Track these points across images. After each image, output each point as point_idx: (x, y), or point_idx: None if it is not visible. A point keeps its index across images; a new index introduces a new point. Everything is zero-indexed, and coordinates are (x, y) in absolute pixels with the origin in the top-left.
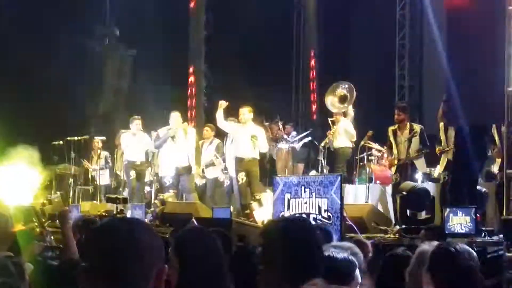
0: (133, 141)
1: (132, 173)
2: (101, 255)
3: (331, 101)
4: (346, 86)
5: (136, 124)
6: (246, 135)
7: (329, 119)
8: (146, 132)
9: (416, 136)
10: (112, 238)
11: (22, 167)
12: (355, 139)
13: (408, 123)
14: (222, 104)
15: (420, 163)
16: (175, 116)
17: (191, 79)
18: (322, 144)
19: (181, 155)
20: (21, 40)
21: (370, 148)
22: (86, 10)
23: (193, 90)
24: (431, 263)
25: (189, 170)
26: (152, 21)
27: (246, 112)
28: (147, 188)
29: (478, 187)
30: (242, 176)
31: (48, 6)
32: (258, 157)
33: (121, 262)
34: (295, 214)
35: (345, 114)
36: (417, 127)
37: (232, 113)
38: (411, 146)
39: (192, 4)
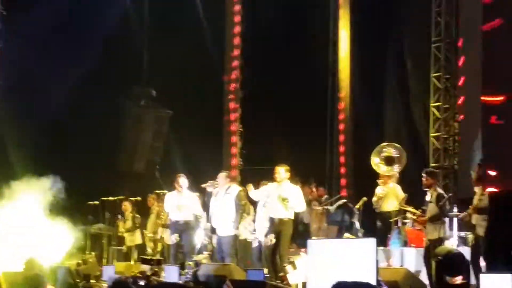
0: (178, 199)
1: (174, 238)
2: None
3: (377, 162)
4: (393, 149)
5: (181, 182)
6: (279, 195)
7: (378, 181)
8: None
9: (432, 202)
10: None
11: (59, 226)
12: (404, 201)
13: (434, 188)
14: (250, 186)
15: (441, 230)
16: (222, 176)
17: (227, 139)
18: (357, 206)
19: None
20: (57, 98)
21: (405, 211)
22: (123, 70)
23: (229, 150)
24: None
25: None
26: (189, 82)
27: (282, 171)
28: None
29: None
30: (271, 238)
31: (86, 65)
32: (291, 217)
33: None
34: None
35: (390, 177)
36: (435, 194)
37: (266, 176)
38: (430, 212)
39: (228, 66)
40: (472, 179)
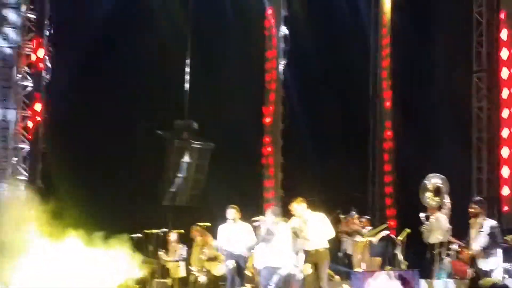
0: (231, 230)
1: (230, 264)
2: None
3: (427, 196)
4: (438, 179)
5: (234, 213)
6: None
7: (422, 214)
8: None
9: (483, 231)
10: None
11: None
12: (449, 233)
13: (481, 218)
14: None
15: (495, 260)
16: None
17: (267, 172)
18: (400, 238)
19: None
20: (100, 132)
21: (448, 243)
22: (165, 104)
23: (270, 183)
24: None
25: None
26: (230, 114)
27: (296, 207)
28: None
29: None
30: (307, 268)
31: (128, 98)
32: (327, 246)
33: None
34: None
35: (440, 207)
36: (487, 223)
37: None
38: (480, 242)
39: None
40: None
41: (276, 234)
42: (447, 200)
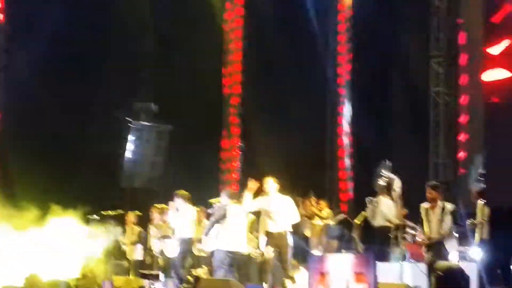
0: (177, 216)
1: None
2: None
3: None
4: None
5: (180, 198)
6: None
7: (369, 198)
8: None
9: (447, 215)
10: None
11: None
12: (395, 218)
13: (440, 202)
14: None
15: (451, 243)
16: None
17: (226, 154)
18: (357, 221)
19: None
20: (57, 112)
21: (404, 226)
22: (123, 85)
23: (228, 165)
24: None
25: None
26: (189, 97)
27: (271, 182)
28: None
29: None
30: (269, 250)
31: (87, 79)
32: (291, 229)
33: None
34: None
35: (389, 192)
36: (449, 207)
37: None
38: (442, 226)
39: (225, 81)
40: (472, 193)
41: (231, 216)
42: (397, 186)
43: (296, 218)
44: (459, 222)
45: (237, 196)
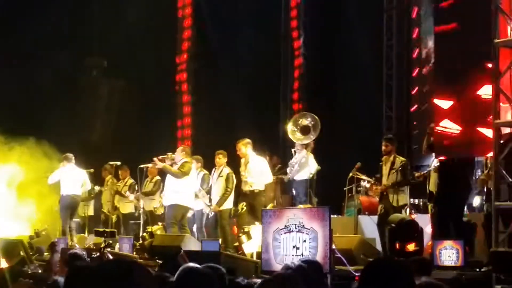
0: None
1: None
2: None
3: (291, 130)
4: (310, 118)
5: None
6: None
7: (292, 150)
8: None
9: (395, 169)
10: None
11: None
12: (314, 171)
13: (393, 155)
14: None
15: (402, 196)
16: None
17: (179, 109)
18: (311, 175)
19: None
20: (7, 70)
21: (358, 179)
22: (75, 41)
23: (182, 121)
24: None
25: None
26: (141, 52)
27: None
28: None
29: (465, 219)
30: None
31: (33, 33)
32: (263, 188)
33: None
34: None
35: (306, 146)
36: (399, 160)
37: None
38: (392, 179)
39: (179, 36)
40: (422, 148)
41: (184, 172)
42: (312, 137)
43: (269, 178)
44: (409, 175)
45: (190, 153)
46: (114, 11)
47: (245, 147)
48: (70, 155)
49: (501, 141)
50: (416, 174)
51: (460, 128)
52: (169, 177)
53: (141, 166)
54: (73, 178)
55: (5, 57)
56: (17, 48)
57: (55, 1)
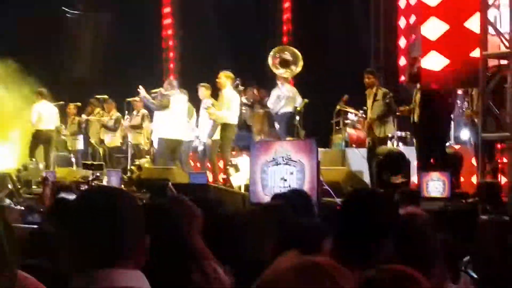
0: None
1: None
2: (83, 229)
3: (272, 63)
4: (288, 52)
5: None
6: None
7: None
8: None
9: (378, 100)
10: (94, 210)
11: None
12: (298, 105)
13: (375, 88)
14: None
15: (388, 127)
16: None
17: (166, 43)
18: (298, 107)
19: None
20: None
21: (346, 112)
22: None
23: (168, 54)
24: None
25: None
26: None
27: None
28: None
29: (451, 150)
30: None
31: None
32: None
33: (104, 235)
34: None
35: (285, 79)
36: (381, 92)
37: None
38: (376, 111)
39: None
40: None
41: (174, 105)
42: (294, 71)
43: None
44: (395, 107)
45: (175, 85)
46: None
47: (225, 78)
48: (44, 90)
49: (488, 73)
50: (401, 108)
51: (448, 60)
52: (156, 112)
53: (128, 99)
54: (47, 113)
55: None
56: None
57: None
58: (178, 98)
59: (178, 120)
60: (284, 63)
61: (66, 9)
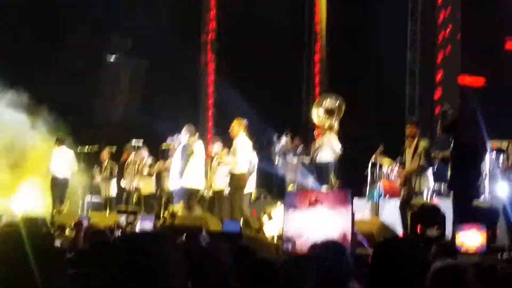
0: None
1: None
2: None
3: (317, 113)
4: (335, 99)
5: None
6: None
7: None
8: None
9: (418, 153)
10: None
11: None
12: (339, 153)
13: (417, 139)
14: None
15: (424, 180)
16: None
17: (204, 90)
18: (335, 156)
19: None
20: (32, 45)
21: (381, 165)
22: (101, 20)
23: (206, 102)
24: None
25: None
26: (166, 32)
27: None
28: None
29: (488, 204)
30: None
31: (62, 8)
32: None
33: (146, 277)
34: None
35: (330, 128)
36: (423, 144)
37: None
38: (415, 162)
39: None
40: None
41: (195, 154)
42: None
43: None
44: (430, 161)
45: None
46: None
47: (238, 127)
48: (63, 136)
49: None
50: (435, 155)
51: None
52: (175, 159)
53: (164, 147)
54: (63, 160)
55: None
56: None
57: None
58: (200, 146)
59: (200, 169)
60: (329, 111)
61: (107, 53)
